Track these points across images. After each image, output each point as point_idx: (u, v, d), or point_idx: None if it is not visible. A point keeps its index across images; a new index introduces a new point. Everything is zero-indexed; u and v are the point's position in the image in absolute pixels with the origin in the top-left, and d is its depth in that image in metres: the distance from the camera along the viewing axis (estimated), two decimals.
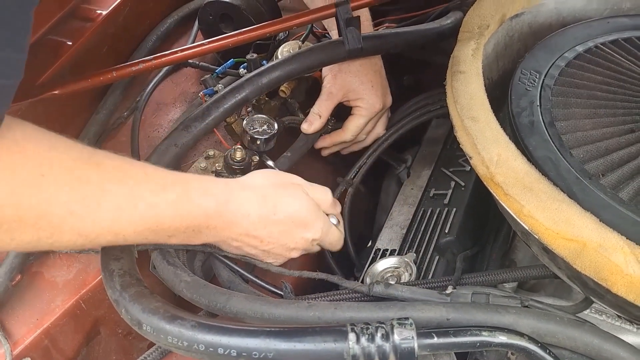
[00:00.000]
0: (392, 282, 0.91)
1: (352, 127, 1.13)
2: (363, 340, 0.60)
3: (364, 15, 1.14)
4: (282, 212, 0.82)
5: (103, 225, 0.67)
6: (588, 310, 0.83)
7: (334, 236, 0.91)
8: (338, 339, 0.61)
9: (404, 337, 0.59)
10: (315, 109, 1.11)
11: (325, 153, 1.18)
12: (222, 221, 0.78)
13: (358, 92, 1.11)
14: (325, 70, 1.13)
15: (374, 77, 1.12)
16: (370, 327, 0.61)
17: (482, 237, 1.03)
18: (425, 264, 0.95)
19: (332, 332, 0.61)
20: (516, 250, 0.99)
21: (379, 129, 1.18)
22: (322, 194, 0.90)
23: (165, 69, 1.23)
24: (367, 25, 1.14)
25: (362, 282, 0.95)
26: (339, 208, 0.94)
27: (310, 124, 1.11)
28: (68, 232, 0.65)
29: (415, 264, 0.93)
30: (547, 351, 0.63)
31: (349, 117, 1.13)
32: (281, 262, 0.89)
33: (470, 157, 0.74)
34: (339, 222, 0.93)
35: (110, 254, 0.77)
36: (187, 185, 0.75)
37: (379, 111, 1.14)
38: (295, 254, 0.88)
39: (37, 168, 0.62)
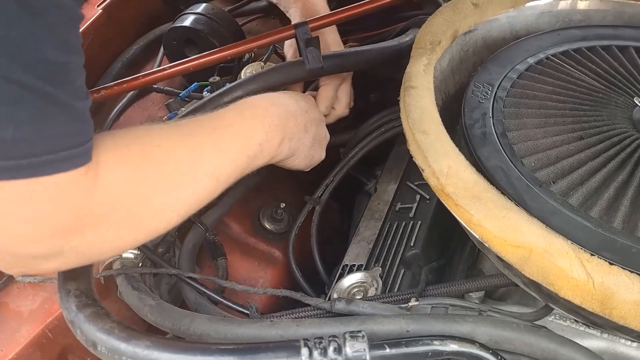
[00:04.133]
0: (359, 297, 0.92)
1: (325, 100, 1.14)
2: (316, 354, 0.60)
3: (334, 38, 1.17)
4: (289, 93, 0.98)
5: (224, 160, 0.77)
6: (552, 317, 0.84)
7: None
8: (291, 354, 0.61)
9: (356, 350, 0.60)
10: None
11: None
12: (282, 111, 0.89)
13: None
14: (286, 43, 1.15)
15: (335, 46, 1.16)
16: (323, 341, 0.61)
17: (449, 249, 1.04)
18: (392, 277, 0.95)
19: (285, 347, 0.62)
20: (483, 261, 1.00)
21: (343, 101, 1.18)
22: None
23: (129, 94, 1.24)
24: (335, 47, 1.16)
25: (329, 299, 0.95)
26: None
27: None
28: (203, 177, 0.74)
29: (382, 278, 0.94)
30: (499, 357, 0.64)
31: (317, 93, 1.14)
32: (327, 135, 1.04)
33: (422, 170, 0.75)
34: None
35: (67, 273, 0.77)
36: (239, 104, 0.88)
37: (342, 79, 1.15)
38: (323, 118, 1.04)
39: (152, 143, 0.70)
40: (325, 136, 1.03)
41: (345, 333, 0.62)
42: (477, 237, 0.68)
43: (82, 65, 0.59)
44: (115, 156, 0.65)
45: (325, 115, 1.14)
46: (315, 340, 0.61)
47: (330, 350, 0.60)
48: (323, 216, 1.15)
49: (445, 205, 0.72)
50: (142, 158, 0.68)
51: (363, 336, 0.61)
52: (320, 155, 1.02)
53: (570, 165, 0.77)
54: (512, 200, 0.70)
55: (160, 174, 0.69)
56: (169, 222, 0.72)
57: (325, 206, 1.16)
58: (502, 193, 0.71)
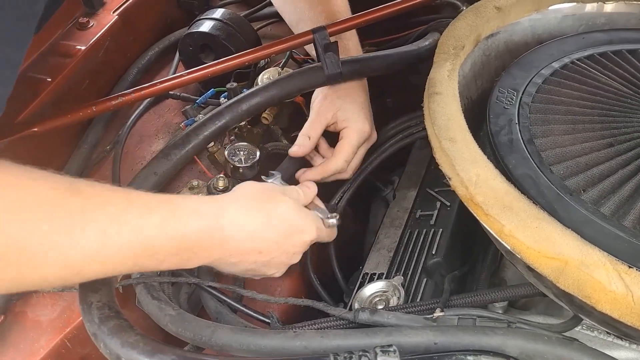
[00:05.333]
0: (381, 307, 0.90)
1: (344, 153, 1.04)
2: None
3: (354, 42, 1.14)
4: (276, 217, 0.81)
5: (88, 255, 0.65)
6: (579, 327, 0.82)
7: (327, 232, 0.93)
8: None
9: None
10: (304, 130, 1.05)
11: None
12: (214, 238, 0.76)
13: (347, 112, 1.05)
14: (316, 91, 1.08)
15: (364, 100, 1.09)
16: (353, 356, 0.60)
17: (471, 257, 1.02)
18: (414, 286, 0.94)
19: None
20: (505, 269, 0.99)
21: (357, 160, 1.10)
22: (295, 193, 0.90)
23: (146, 101, 1.23)
24: (354, 52, 1.13)
25: (350, 307, 0.94)
26: (313, 192, 0.94)
27: (300, 147, 1.04)
28: (52, 265, 0.63)
29: (404, 287, 0.93)
30: None
31: (338, 143, 1.06)
32: (283, 270, 0.88)
33: (449, 178, 0.73)
34: (336, 217, 0.94)
35: (89, 285, 0.76)
36: (173, 205, 0.74)
37: (367, 136, 1.08)
38: (297, 258, 0.87)
39: (16, 200, 0.60)
40: (289, 266, 0.89)
41: (375, 347, 0.60)
42: (509, 247, 0.66)
43: None
44: None
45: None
46: (345, 355, 0.60)
47: None
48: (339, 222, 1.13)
49: (475, 214, 0.70)
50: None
51: (395, 351, 0.59)
52: (269, 275, 0.88)
53: (600, 173, 0.75)
54: (543, 210, 0.68)
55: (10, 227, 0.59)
56: None
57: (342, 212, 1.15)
58: (532, 202, 0.70)
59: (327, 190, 1.20)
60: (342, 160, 1.04)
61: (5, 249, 0.59)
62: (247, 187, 0.84)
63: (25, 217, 0.60)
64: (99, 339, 0.70)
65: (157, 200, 0.73)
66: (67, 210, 0.63)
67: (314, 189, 0.94)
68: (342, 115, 1.05)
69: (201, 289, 0.91)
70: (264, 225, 0.80)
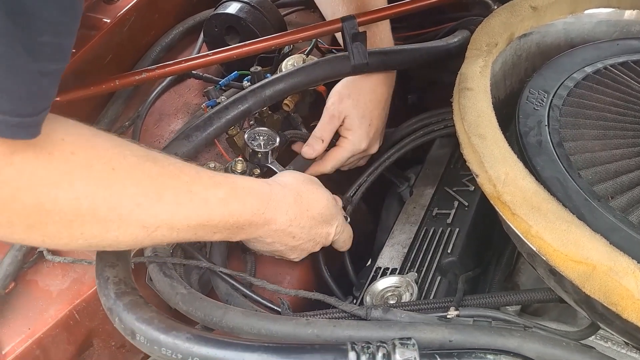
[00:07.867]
0: (393, 302, 0.89)
1: (334, 161, 1.09)
2: (363, 359, 0.58)
3: (387, 34, 1.13)
4: (314, 209, 0.88)
5: (163, 218, 0.70)
6: (593, 337, 0.81)
7: (347, 233, 0.98)
8: (338, 357, 0.59)
9: (406, 358, 0.57)
10: (318, 132, 1.07)
11: None
12: (263, 218, 0.82)
13: (353, 122, 1.07)
14: (333, 90, 1.08)
15: (377, 116, 1.10)
16: (371, 346, 0.59)
17: (485, 259, 1.01)
18: (427, 284, 0.93)
19: (331, 350, 0.59)
20: (520, 273, 0.98)
21: (344, 165, 1.14)
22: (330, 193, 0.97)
23: (168, 79, 1.22)
24: (387, 39, 1.13)
25: (361, 301, 0.93)
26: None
27: (313, 149, 1.06)
28: (133, 225, 0.68)
29: (417, 284, 0.92)
30: None
31: (332, 150, 1.09)
32: (303, 256, 0.94)
33: (476, 175, 0.72)
34: (348, 219, 1.00)
35: (105, 260, 0.75)
36: (235, 184, 0.80)
37: (361, 152, 1.11)
38: (318, 247, 0.94)
39: (109, 163, 0.65)
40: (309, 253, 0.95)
41: (394, 339, 0.59)
42: (534, 249, 0.65)
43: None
44: (45, 151, 0.59)
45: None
46: (363, 345, 0.59)
47: (379, 356, 0.57)
48: (352, 216, 1.13)
49: (501, 214, 0.69)
50: (75, 167, 0.62)
51: (414, 344, 0.58)
52: (291, 258, 0.94)
53: (630, 180, 0.74)
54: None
55: (82, 193, 0.62)
56: (70, 239, 0.65)
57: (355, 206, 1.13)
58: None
59: (341, 182, 1.20)
60: (330, 167, 1.10)
61: (98, 207, 0.64)
62: (290, 176, 0.91)
63: (117, 180, 0.65)
64: (114, 313, 0.69)
65: (221, 176, 0.79)
66: (148, 177, 0.69)
67: None
68: (348, 123, 1.08)
69: (213, 273, 0.90)
70: (302, 214, 0.86)
